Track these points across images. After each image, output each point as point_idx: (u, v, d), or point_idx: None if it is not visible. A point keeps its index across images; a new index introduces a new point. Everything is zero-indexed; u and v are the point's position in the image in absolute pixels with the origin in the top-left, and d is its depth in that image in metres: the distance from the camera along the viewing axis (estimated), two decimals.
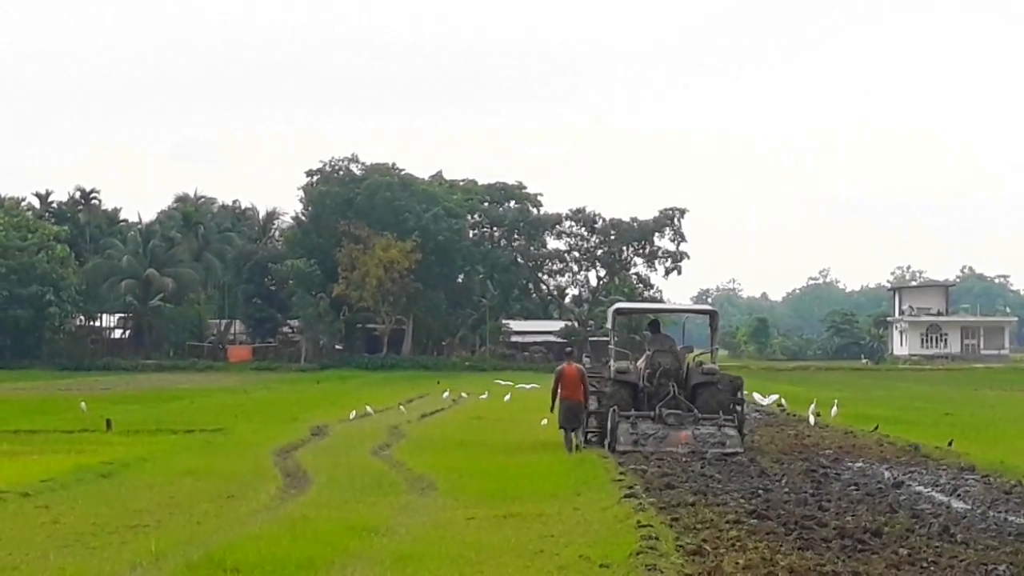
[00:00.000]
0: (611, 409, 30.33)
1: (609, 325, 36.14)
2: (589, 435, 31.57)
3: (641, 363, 31.93)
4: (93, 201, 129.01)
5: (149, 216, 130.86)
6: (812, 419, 39.82)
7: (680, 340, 35.56)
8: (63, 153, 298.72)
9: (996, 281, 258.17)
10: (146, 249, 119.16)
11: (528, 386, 60.39)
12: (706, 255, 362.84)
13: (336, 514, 18.93)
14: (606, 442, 30.52)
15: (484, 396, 53.99)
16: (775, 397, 49.83)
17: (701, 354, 35.45)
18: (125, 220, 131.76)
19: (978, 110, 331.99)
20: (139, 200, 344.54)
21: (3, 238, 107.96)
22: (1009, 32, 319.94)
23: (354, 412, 42.33)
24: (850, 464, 27.10)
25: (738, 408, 31.00)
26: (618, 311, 36.40)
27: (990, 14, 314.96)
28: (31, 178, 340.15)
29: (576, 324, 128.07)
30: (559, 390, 29.75)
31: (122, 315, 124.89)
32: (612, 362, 32.43)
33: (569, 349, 41.60)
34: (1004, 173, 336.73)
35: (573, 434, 30.00)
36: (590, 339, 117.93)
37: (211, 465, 25.93)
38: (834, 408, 42.27)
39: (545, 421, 33.09)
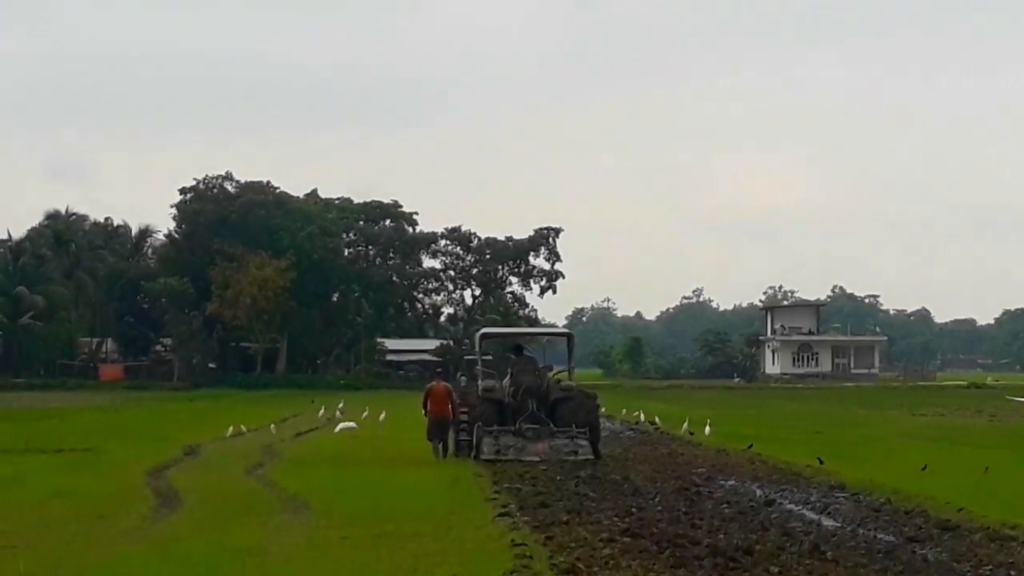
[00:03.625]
0: (476, 424, 32.93)
1: (476, 348, 39.12)
2: (460, 443, 33.69)
3: (506, 382, 34.64)
4: None
5: (19, 233, 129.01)
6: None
7: (542, 360, 37.74)
8: None
9: (866, 301, 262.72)
10: (16, 267, 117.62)
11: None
12: (581, 274, 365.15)
13: (208, 535, 18.71)
14: (472, 453, 32.96)
15: (365, 414, 53.58)
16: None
17: (559, 372, 36.85)
18: None
19: (850, 131, 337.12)
20: (9, 217, 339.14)
21: None
22: (872, 63, 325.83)
23: (231, 429, 42.13)
24: (723, 482, 27.27)
25: (592, 420, 33.59)
26: (484, 335, 40.38)
27: (861, 46, 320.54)
28: None
29: (451, 343, 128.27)
30: (429, 405, 32.92)
31: None
32: (480, 381, 35.18)
33: (439, 369, 44.14)
34: (876, 194, 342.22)
35: (440, 445, 33.00)
36: (465, 358, 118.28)
37: (81, 485, 25.51)
38: (707, 427, 42.66)
39: None
